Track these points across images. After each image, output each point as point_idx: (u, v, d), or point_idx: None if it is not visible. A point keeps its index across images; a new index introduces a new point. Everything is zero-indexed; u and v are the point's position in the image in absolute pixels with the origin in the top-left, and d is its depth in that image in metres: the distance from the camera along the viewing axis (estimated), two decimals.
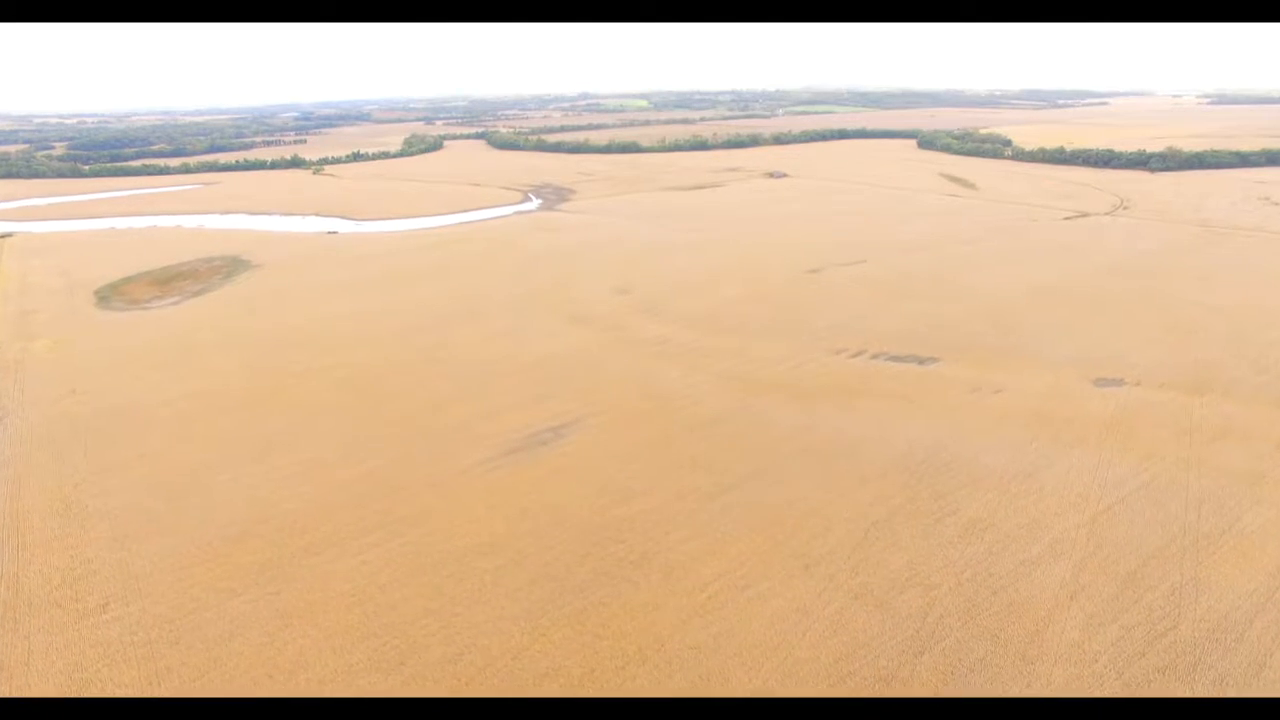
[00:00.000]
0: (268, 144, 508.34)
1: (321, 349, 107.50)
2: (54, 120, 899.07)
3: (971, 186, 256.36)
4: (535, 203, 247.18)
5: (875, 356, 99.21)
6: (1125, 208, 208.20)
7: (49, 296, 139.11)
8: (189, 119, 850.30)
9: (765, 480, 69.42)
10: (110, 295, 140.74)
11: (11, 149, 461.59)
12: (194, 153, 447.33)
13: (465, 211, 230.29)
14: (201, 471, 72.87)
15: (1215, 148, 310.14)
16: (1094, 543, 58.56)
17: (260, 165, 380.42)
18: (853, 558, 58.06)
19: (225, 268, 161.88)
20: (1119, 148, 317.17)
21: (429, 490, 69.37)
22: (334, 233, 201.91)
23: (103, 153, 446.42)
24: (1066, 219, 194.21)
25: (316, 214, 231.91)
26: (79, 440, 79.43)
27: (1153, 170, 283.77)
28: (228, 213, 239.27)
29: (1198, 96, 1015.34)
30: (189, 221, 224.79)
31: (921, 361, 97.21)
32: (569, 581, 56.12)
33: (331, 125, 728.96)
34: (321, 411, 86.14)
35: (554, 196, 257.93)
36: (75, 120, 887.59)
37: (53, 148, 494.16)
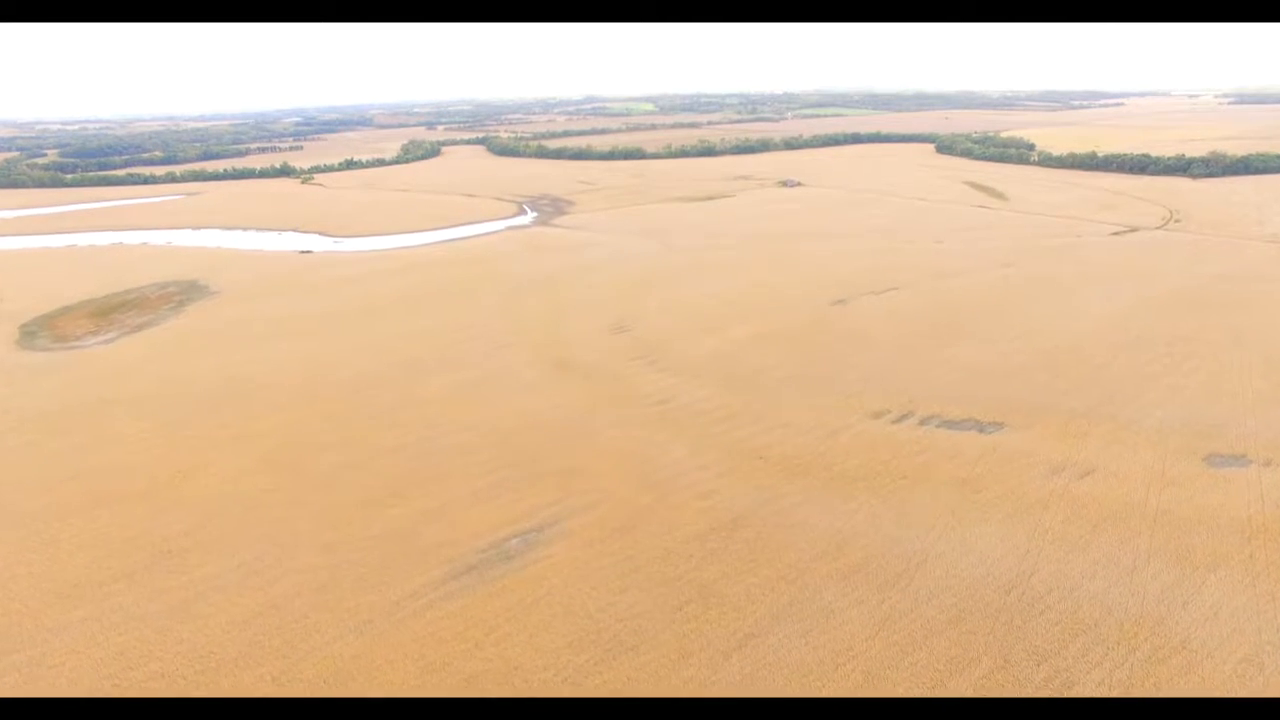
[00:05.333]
0: (262, 150, 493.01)
1: (258, 407, 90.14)
2: (55, 127, 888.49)
3: (1002, 196, 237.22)
4: (530, 216, 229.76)
5: (925, 421, 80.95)
6: (1177, 220, 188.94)
7: None
8: (192, 125, 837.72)
9: (798, 623, 51.46)
10: (39, 330, 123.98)
11: (1, 157, 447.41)
12: (185, 160, 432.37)
13: (453, 226, 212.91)
14: (54, 605, 55.38)
15: (1260, 150, 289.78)
16: None
17: (250, 173, 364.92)
18: None
19: (179, 295, 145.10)
20: (1153, 151, 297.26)
21: (348, 635, 51.74)
22: (308, 251, 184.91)
23: (91, 161, 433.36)
24: (1115, 234, 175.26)
25: (294, 229, 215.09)
26: None
27: (1194, 176, 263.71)
28: (200, 227, 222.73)
29: (1216, 96, 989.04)
30: (157, 238, 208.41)
31: (983, 429, 78.95)
32: None
33: (332, 130, 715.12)
34: (235, 504, 68.61)
35: (551, 209, 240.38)
36: (78, 126, 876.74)
37: (44, 155, 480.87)
